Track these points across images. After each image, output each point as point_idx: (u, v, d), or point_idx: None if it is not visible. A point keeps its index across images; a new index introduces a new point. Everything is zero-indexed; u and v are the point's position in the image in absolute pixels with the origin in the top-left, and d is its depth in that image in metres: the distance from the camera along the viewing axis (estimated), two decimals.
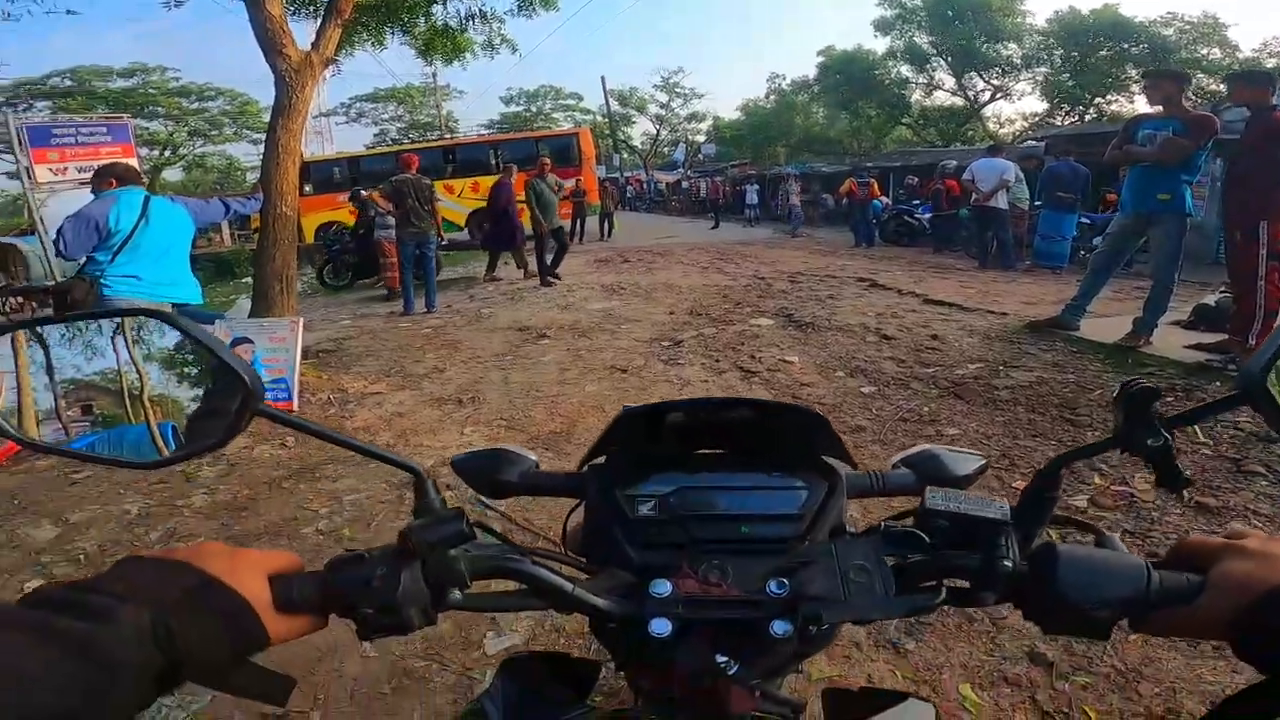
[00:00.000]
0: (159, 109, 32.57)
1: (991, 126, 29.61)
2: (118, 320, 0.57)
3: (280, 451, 3.86)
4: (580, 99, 47.24)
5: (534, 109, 46.05)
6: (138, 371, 0.58)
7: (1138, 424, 0.51)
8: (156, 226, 3.67)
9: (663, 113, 44.86)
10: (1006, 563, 0.51)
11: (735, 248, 13.80)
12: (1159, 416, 0.51)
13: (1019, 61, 26.44)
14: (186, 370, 0.52)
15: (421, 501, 0.55)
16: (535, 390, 4.74)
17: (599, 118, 42.20)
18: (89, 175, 10.29)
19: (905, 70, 28.63)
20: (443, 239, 8.20)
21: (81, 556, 2.87)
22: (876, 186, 14.35)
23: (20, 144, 9.52)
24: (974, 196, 9.59)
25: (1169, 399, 3.76)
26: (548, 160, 10.11)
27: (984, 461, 0.69)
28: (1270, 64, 22.02)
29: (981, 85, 27.88)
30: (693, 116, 45.44)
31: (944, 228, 12.19)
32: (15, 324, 0.62)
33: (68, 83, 29.78)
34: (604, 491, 0.62)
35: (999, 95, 27.82)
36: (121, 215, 3.57)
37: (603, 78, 37.65)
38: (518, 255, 9.73)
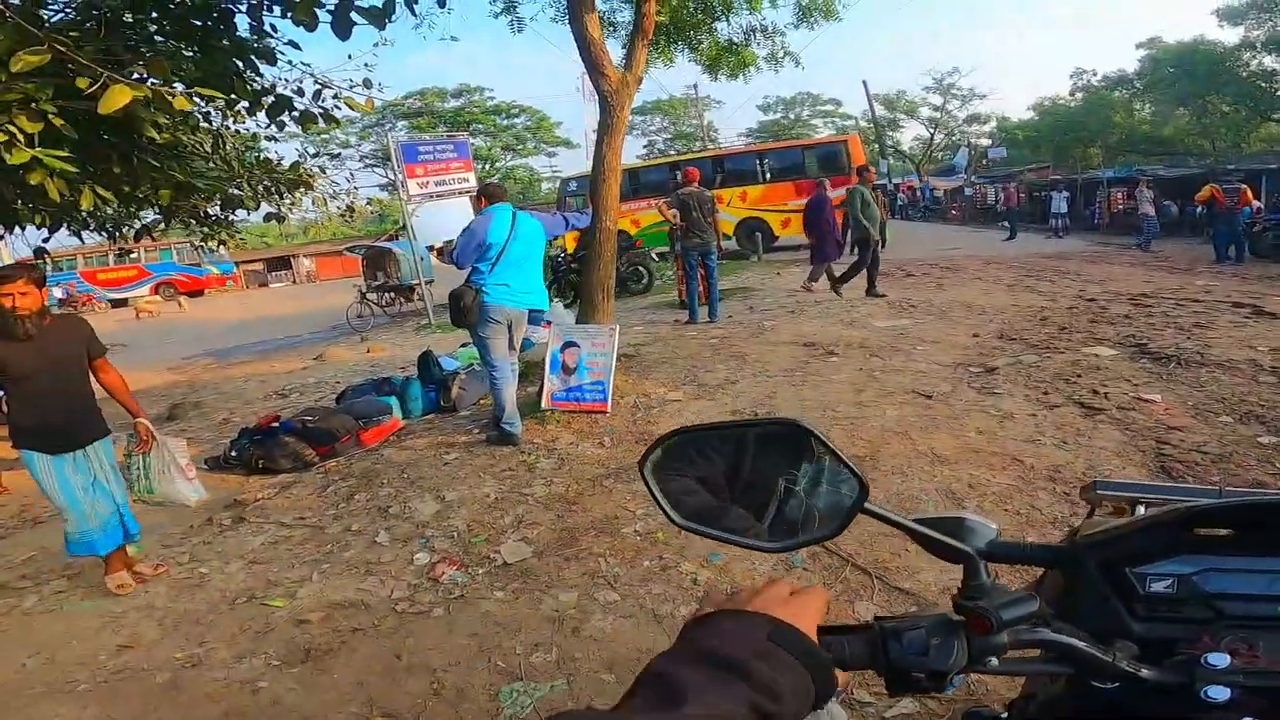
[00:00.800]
0: (480, 126, 38.27)
1: None
2: (760, 427, 0.68)
3: (599, 451, 4.19)
4: (839, 104, 46.01)
5: (791, 116, 45.65)
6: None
7: None
8: (521, 239, 4.20)
9: (937, 115, 41.37)
10: None
11: (1044, 262, 12.01)
12: None
13: None
14: (807, 467, 0.59)
15: (975, 581, 0.59)
16: (830, 410, 4.53)
17: (862, 123, 40.33)
18: (442, 188, 12.38)
19: (1270, 61, 23.39)
20: (722, 250, 8.31)
21: (455, 533, 3.36)
22: (1249, 193, 11.39)
23: (397, 160, 11.88)
24: None
25: None
26: (872, 168, 9.74)
27: None
28: None
29: None
30: (973, 118, 41.32)
31: None
32: (670, 434, 0.70)
33: (417, 104, 36.44)
34: (1107, 568, 0.65)
35: None
36: (497, 230, 4.14)
37: (864, 82, 36.09)
38: (821, 269, 9.41)
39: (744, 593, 0.53)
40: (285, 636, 2.67)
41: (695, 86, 34.63)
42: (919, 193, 33.87)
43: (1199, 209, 12.51)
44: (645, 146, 44.65)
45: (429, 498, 3.80)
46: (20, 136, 2.79)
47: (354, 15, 3.46)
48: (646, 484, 0.67)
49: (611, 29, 7.98)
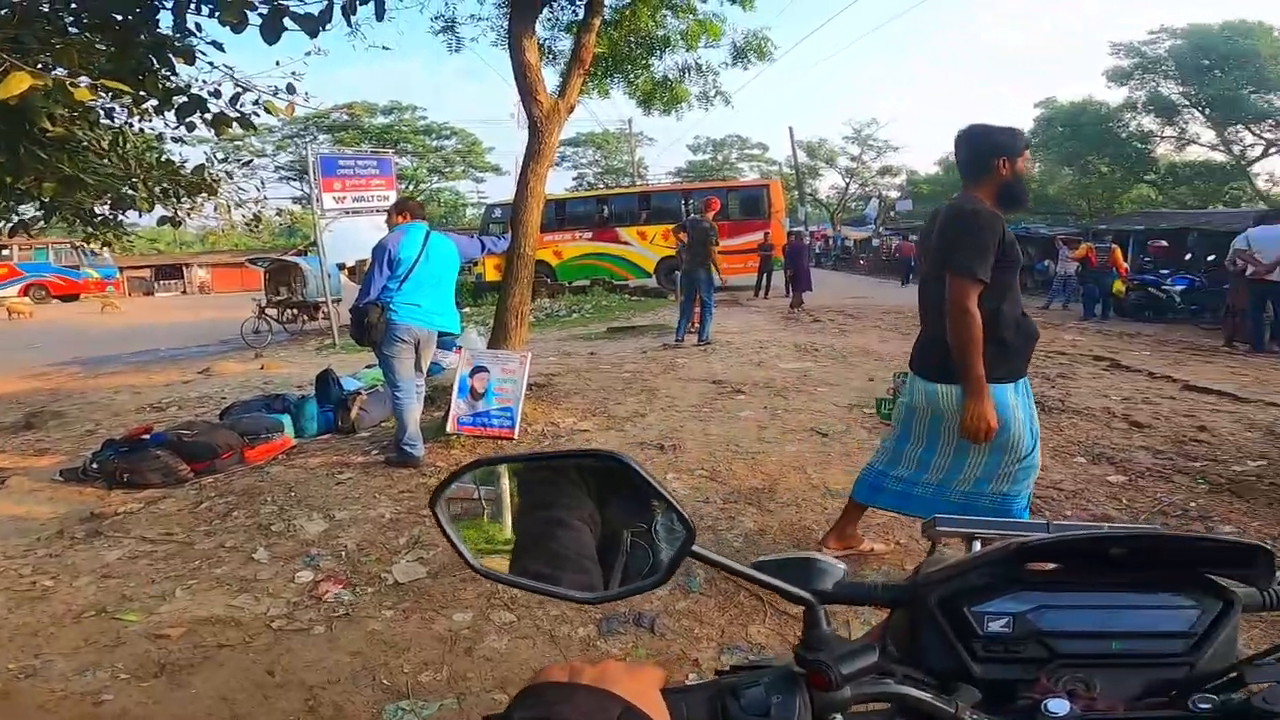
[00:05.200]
0: (408, 145, 37.20)
1: (1262, 185, 25.16)
2: (574, 461, 0.62)
3: None
4: (766, 149, 47.48)
5: (719, 158, 46.87)
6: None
7: None
8: (433, 259, 4.15)
9: (853, 165, 43.31)
10: None
11: None
12: None
13: None
14: (628, 509, 0.61)
15: (816, 630, 0.56)
16: (734, 445, 4.69)
17: (785, 169, 41.92)
18: (359, 204, 11.97)
19: (1148, 122, 25.37)
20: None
21: (343, 552, 3.25)
22: (1119, 253, 12.36)
23: (314, 173, 11.41)
24: (1250, 269, 8.19)
25: None
26: None
27: None
28: None
29: (1251, 139, 23.90)
30: (885, 170, 43.46)
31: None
32: (489, 460, 0.64)
33: (344, 117, 35.24)
34: (947, 608, 0.62)
35: (1272, 150, 23.71)
36: (408, 246, 4.09)
37: (790, 128, 37.49)
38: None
39: (584, 668, 0.49)
40: (137, 650, 2.51)
41: (630, 122, 35.29)
42: (831, 241, 35.70)
43: (1074, 267, 13.36)
44: (575, 179, 45.01)
45: (317, 516, 3.67)
46: None
47: (286, 21, 3.40)
48: (439, 523, 0.59)
49: (550, 57, 8.04)
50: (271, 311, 13.56)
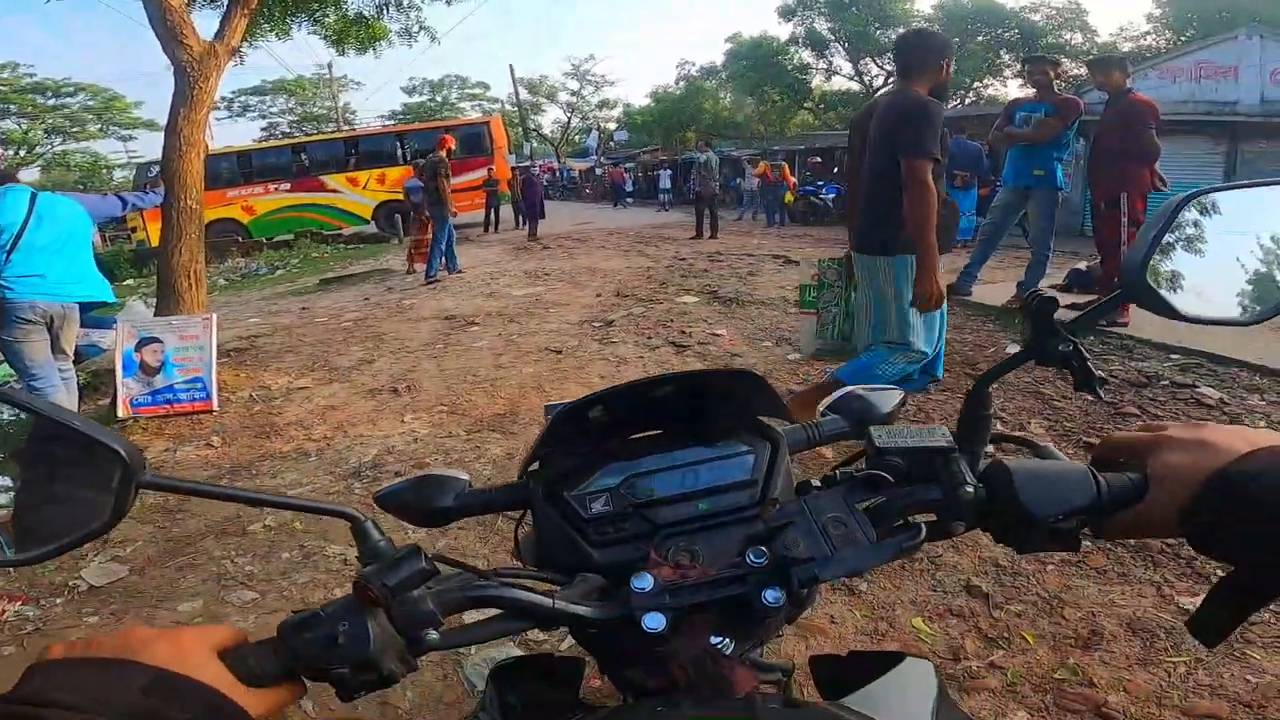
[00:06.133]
0: (10, 106, 30.78)
1: None
2: None
3: (207, 451, 3.69)
4: (487, 88, 46.15)
5: (439, 99, 44.60)
6: None
7: (1045, 334, 0.56)
8: (49, 223, 3.43)
9: (574, 100, 44.13)
10: (968, 489, 0.52)
11: (652, 231, 13.98)
12: (1061, 324, 0.55)
13: None
14: (44, 452, 0.47)
15: (366, 545, 0.51)
16: (472, 375, 4.71)
17: (508, 106, 41.19)
18: None
19: (806, 56, 29.20)
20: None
21: (9, 571, 2.68)
22: (788, 169, 14.92)
23: None
24: None
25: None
26: None
27: (902, 395, 0.72)
28: (1125, 47, 23.91)
29: (876, 70, 28.90)
30: (604, 104, 44.96)
31: None
32: None
33: None
34: (551, 497, 0.60)
35: (890, 80, 29.00)
36: (5, 212, 3.32)
37: (511, 66, 36.34)
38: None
39: (102, 640, 0.43)
40: None
41: (330, 66, 31.75)
42: (558, 173, 36.16)
43: (755, 182, 15.88)
44: (264, 129, 39.35)
45: None
46: None
47: None
48: None
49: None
50: None
